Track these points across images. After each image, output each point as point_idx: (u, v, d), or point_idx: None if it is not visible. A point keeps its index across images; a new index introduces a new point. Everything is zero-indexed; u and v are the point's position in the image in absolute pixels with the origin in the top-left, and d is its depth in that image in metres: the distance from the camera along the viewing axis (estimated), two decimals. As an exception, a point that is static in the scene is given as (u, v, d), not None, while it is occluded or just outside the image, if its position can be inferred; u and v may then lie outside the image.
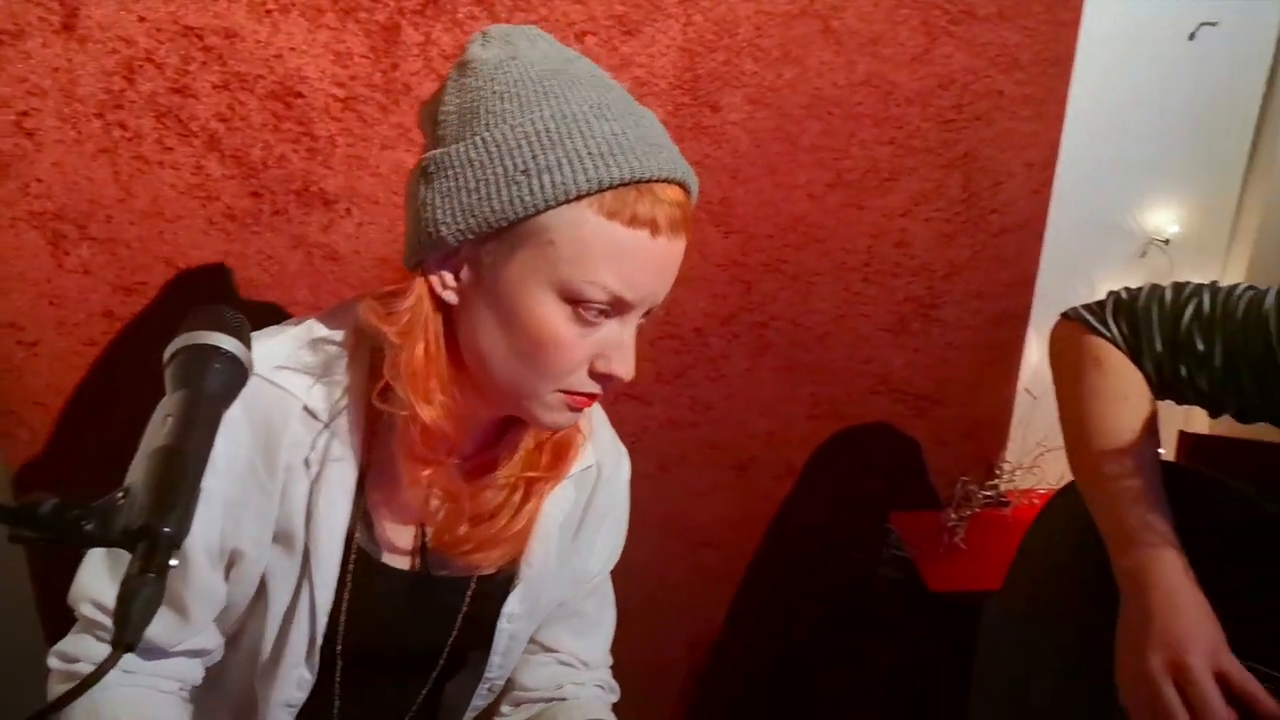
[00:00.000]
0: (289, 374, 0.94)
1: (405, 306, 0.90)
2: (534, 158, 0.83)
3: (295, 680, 1.02)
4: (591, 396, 0.93)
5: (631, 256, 0.86)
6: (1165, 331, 1.13)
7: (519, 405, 0.93)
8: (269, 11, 1.36)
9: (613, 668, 1.24)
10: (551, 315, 0.87)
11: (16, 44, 1.31)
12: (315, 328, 0.98)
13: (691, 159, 0.91)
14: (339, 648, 1.02)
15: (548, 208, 0.84)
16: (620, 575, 1.22)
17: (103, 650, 0.94)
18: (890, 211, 1.66)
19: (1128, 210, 1.75)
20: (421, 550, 1.04)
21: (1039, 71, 1.61)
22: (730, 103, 1.54)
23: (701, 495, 1.81)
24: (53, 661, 0.98)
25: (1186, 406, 1.17)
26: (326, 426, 0.95)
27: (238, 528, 0.95)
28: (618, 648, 1.24)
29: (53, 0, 1.30)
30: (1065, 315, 1.23)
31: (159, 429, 0.71)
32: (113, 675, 0.61)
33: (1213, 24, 1.63)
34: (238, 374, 0.78)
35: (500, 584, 1.07)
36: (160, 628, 0.95)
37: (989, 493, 1.78)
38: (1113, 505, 1.11)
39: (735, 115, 1.55)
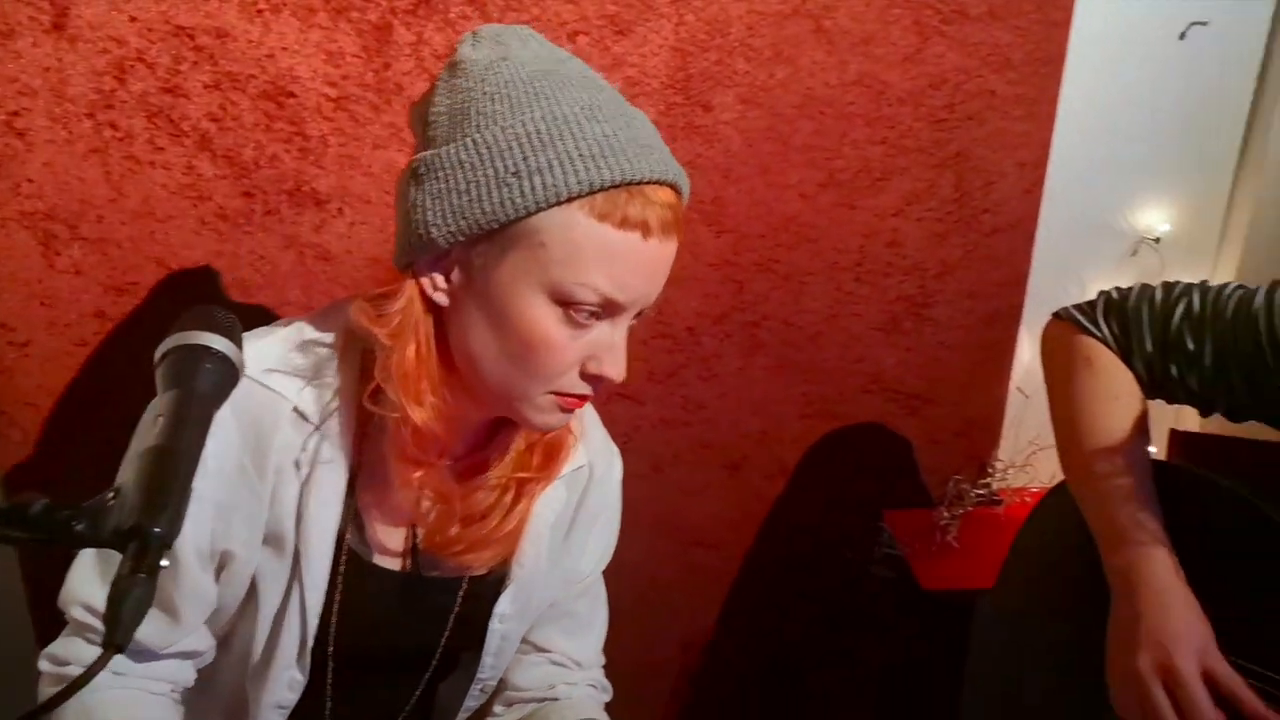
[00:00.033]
0: (279, 377, 0.94)
1: (396, 308, 0.90)
2: (525, 160, 0.83)
3: (286, 682, 1.02)
4: (583, 397, 0.93)
5: (623, 258, 0.85)
6: (1155, 331, 1.13)
7: (510, 407, 0.93)
8: (260, 11, 1.35)
9: (605, 667, 1.24)
10: (542, 317, 0.86)
11: (6, 44, 1.31)
12: (305, 329, 0.97)
13: (684, 159, 0.91)
14: (331, 649, 1.02)
15: (539, 210, 0.83)
16: (612, 575, 1.22)
17: (94, 653, 0.94)
18: (882, 211, 1.66)
19: (1119, 209, 1.76)
20: (413, 551, 1.04)
21: (1030, 71, 1.61)
22: (722, 102, 1.54)
23: (694, 494, 1.81)
24: (43, 665, 0.97)
25: (1177, 405, 1.17)
26: (317, 429, 0.95)
27: (228, 529, 0.95)
28: (610, 648, 1.24)
29: (43, 0, 1.30)
30: (1056, 315, 1.23)
31: (150, 429, 0.70)
32: (104, 677, 0.61)
33: (1203, 24, 1.64)
34: (229, 374, 0.78)
35: (492, 584, 1.07)
36: (151, 630, 0.95)
37: (981, 491, 1.78)
38: (1103, 504, 1.11)
39: (727, 115, 1.55)
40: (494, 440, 1.03)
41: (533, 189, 0.83)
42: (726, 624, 1.93)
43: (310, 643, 1.00)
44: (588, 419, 1.12)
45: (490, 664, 1.11)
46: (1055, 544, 1.27)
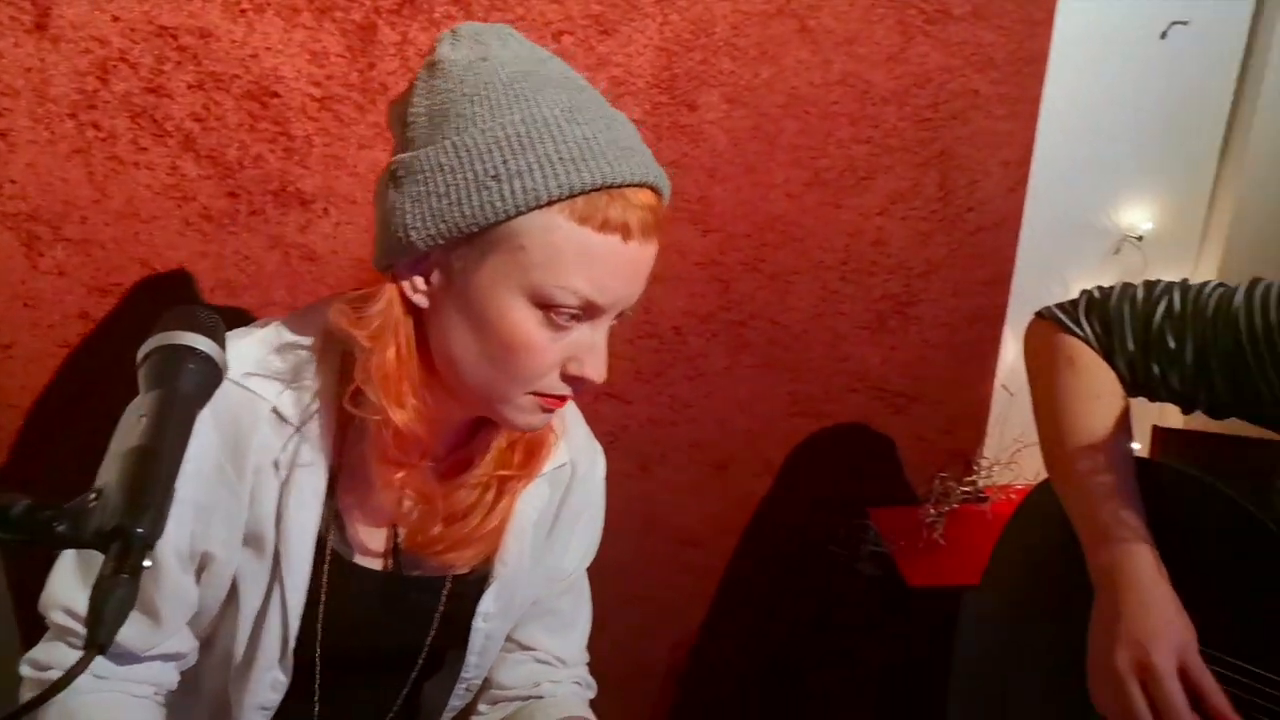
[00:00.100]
0: (258, 380, 0.94)
1: (376, 310, 0.89)
2: (504, 163, 0.83)
3: (269, 683, 1.02)
4: (564, 398, 0.93)
5: (603, 261, 0.85)
6: (1137, 330, 1.14)
7: (491, 408, 0.93)
8: (244, 11, 1.35)
9: (592, 666, 1.24)
10: (523, 320, 0.86)
11: (-12, 44, 1.30)
12: (283, 332, 0.97)
13: (669, 158, 0.92)
14: (315, 650, 1.02)
15: (518, 213, 0.83)
16: (601, 574, 1.22)
17: (76, 657, 0.93)
18: (867, 210, 1.67)
19: (1102, 208, 1.77)
20: (395, 551, 1.04)
21: (1014, 70, 1.62)
22: (707, 102, 1.54)
23: (682, 494, 1.81)
24: (25, 670, 0.97)
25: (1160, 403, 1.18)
26: (297, 430, 0.95)
27: (207, 530, 0.95)
28: (598, 647, 1.25)
29: (24, 0, 1.29)
30: (1039, 314, 1.24)
31: (132, 429, 0.70)
32: (86, 680, 0.61)
33: (1184, 23, 1.64)
34: (212, 374, 0.78)
35: (475, 583, 1.07)
36: (132, 632, 0.95)
37: (967, 488, 1.79)
38: (1086, 501, 1.12)
39: (712, 114, 1.55)
40: (475, 439, 1.03)
41: (512, 193, 0.82)
42: (715, 623, 1.93)
43: (292, 643, 1.00)
44: (570, 417, 1.12)
45: (475, 663, 1.11)
46: (1040, 541, 1.28)
